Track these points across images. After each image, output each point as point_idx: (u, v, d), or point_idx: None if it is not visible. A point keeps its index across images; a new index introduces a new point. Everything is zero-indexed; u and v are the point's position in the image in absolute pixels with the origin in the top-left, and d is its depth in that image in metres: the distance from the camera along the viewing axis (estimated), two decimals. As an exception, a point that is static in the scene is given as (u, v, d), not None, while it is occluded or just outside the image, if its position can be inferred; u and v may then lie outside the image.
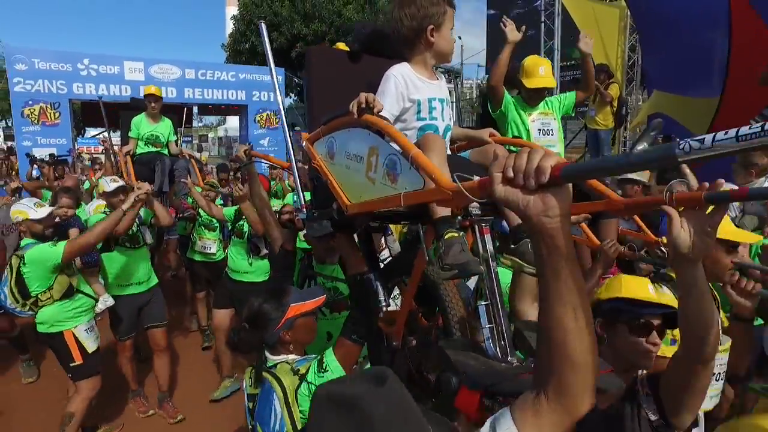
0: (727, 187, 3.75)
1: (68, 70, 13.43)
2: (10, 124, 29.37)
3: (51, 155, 9.53)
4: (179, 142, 9.24)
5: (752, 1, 6.79)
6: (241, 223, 4.88)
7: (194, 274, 6.02)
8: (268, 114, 14.81)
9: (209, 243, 5.72)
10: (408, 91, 1.86)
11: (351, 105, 1.63)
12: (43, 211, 3.54)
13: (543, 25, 8.13)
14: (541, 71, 3.69)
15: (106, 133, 6.39)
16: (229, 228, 5.20)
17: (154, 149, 5.94)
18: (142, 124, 5.88)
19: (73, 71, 13.46)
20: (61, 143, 13.37)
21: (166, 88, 12.77)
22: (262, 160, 4.06)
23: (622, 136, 8.79)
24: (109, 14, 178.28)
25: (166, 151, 6.03)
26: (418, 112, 1.89)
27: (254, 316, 2.09)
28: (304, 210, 2.25)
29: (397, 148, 1.46)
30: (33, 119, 13.13)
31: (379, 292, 2.06)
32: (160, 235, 5.95)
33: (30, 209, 3.52)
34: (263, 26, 2.42)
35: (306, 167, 2.37)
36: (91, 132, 31.66)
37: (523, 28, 3.55)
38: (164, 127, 6.02)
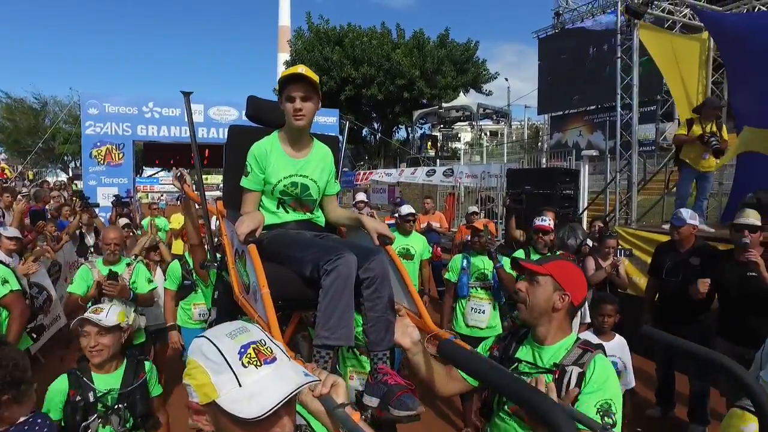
0: None
1: (134, 113, 13.99)
2: (78, 165, 31.13)
3: (116, 197, 9.72)
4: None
5: None
6: None
7: None
8: (322, 154, 14.94)
9: None
10: None
11: None
12: None
13: (619, 61, 7.73)
14: None
15: (185, 174, 2.93)
16: None
17: (299, 216, 2.32)
18: (271, 158, 2.22)
19: (138, 114, 14.01)
20: (122, 183, 13.81)
21: (224, 130, 13.04)
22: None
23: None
24: (170, 62, 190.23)
25: (321, 220, 2.40)
26: None
27: None
28: None
29: None
30: (99, 160, 13.66)
31: None
32: None
33: None
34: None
35: None
36: (148, 172, 33.02)
37: None
38: (317, 165, 2.31)
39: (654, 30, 8.21)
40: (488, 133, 27.57)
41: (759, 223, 3.90)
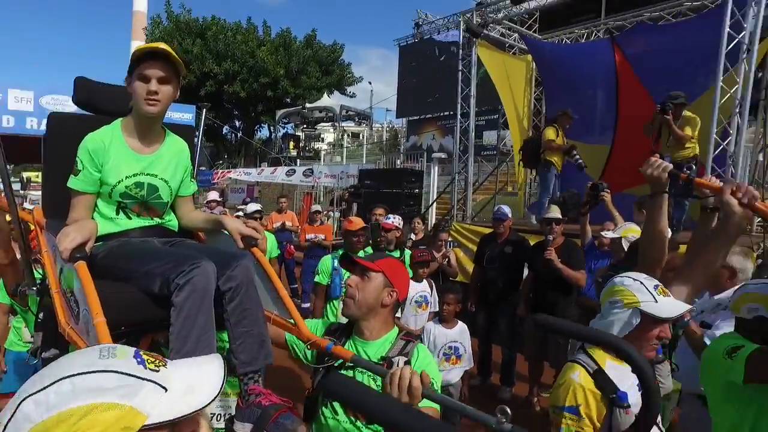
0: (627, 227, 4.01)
1: (-59, 96, 11.98)
2: None
3: None
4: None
5: (636, 69, 8.05)
6: None
7: None
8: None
9: None
10: None
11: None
12: None
13: (460, 73, 8.62)
14: None
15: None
16: None
17: (145, 222, 1.92)
18: (111, 152, 1.81)
19: (-54, 98, 12.03)
20: None
21: (60, 120, 11.81)
22: None
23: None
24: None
25: (174, 224, 2.03)
26: None
27: None
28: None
29: None
30: None
31: None
32: None
33: None
34: None
35: None
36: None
37: None
38: (170, 162, 1.93)
39: (490, 48, 9.27)
40: (350, 135, 28.37)
41: (560, 216, 4.74)
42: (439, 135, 19.37)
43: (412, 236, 5.52)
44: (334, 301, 4.30)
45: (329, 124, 27.27)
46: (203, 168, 20.55)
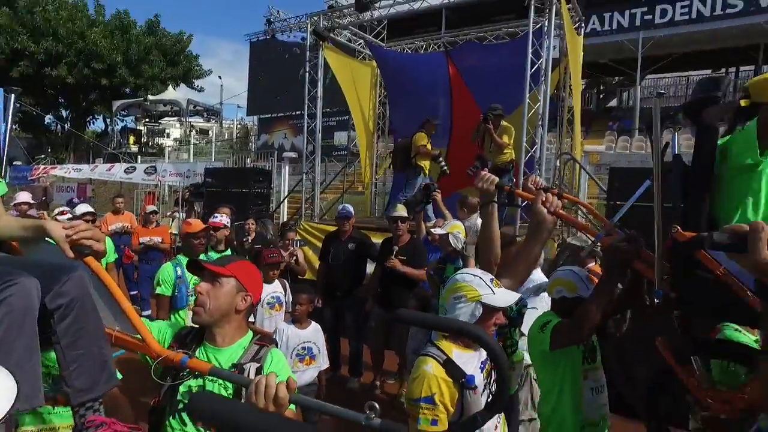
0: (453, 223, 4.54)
1: None
2: None
3: None
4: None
5: (466, 82, 8.99)
6: None
7: None
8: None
9: None
10: None
11: None
12: None
13: (308, 74, 8.83)
14: None
15: None
16: None
17: None
18: None
19: None
20: None
21: None
22: None
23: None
24: None
25: None
26: None
27: None
28: None
29: None
30: None
31: None
32: None
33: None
34: None
35: None
36: None
37: None
38: None
39: (337, 52, 9.57)
40: (198, 131, 26.94)
41: (406, 215, 5.15)
42: (290, 134, 19.40)
43: (249, 238, 5.57)
44: (180, 312, 3.99)
45: (175, 118, 25.53)
46: (18, 162, 17.84)
